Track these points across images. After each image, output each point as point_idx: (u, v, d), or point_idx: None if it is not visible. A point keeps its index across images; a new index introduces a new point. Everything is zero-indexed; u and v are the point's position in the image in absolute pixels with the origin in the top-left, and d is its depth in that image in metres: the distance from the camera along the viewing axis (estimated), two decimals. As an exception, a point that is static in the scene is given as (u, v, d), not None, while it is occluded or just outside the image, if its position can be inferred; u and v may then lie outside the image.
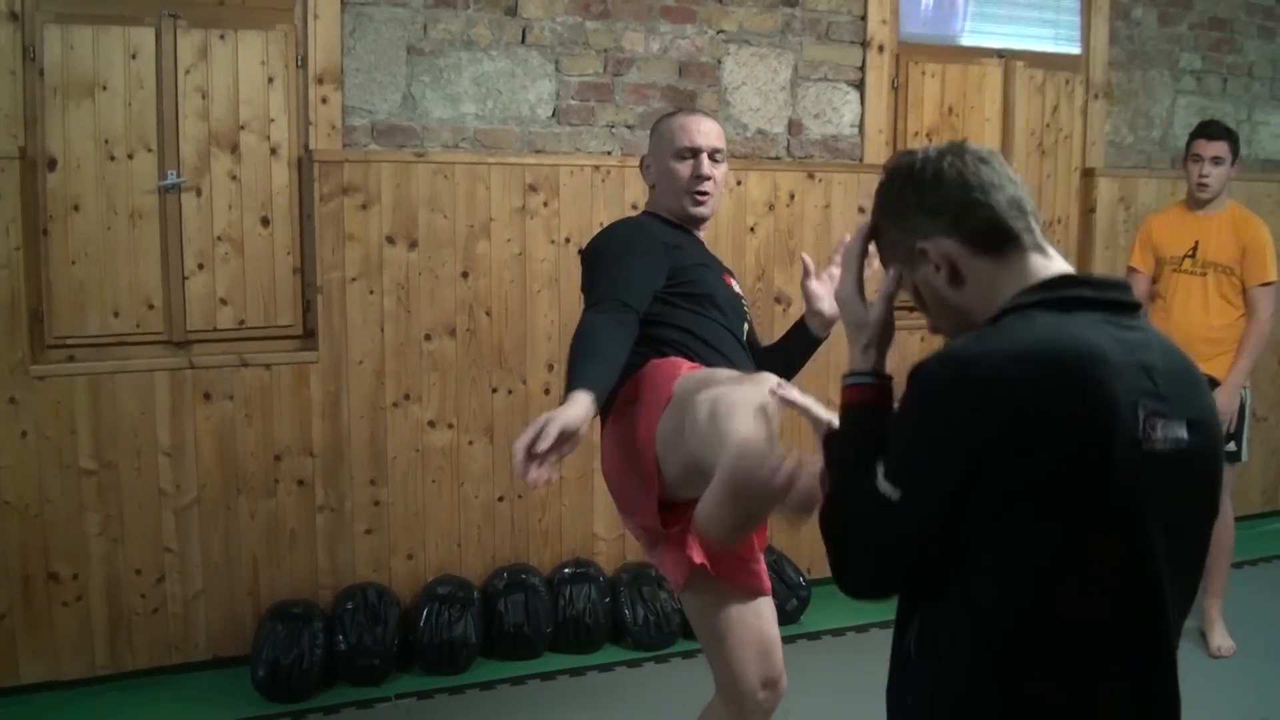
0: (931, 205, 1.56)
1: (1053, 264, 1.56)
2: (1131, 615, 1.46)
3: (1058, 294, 1.50)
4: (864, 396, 1.65)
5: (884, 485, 1.47)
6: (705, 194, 2.74)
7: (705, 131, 2.76)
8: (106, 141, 3.80)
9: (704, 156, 2.73)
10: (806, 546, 4.77)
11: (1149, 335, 1.51)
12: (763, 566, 2.63)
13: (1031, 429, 1.38)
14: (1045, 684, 1.45)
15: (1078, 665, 1.45)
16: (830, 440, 1.67)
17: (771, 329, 4.61)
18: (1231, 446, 4.33)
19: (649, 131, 2.91)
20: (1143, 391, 1.43)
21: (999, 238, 1.54)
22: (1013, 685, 1.45)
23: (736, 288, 2.82)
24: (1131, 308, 1.53)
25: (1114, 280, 1.57)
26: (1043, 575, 1.42)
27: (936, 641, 1.51)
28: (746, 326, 2.79)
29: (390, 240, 4.10)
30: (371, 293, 4.10)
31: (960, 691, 1.49)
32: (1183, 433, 1.46)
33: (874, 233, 1.68)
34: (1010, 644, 1.45)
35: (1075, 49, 5.37)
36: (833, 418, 1.79)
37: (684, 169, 2.73)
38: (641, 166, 2.89)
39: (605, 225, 2.82)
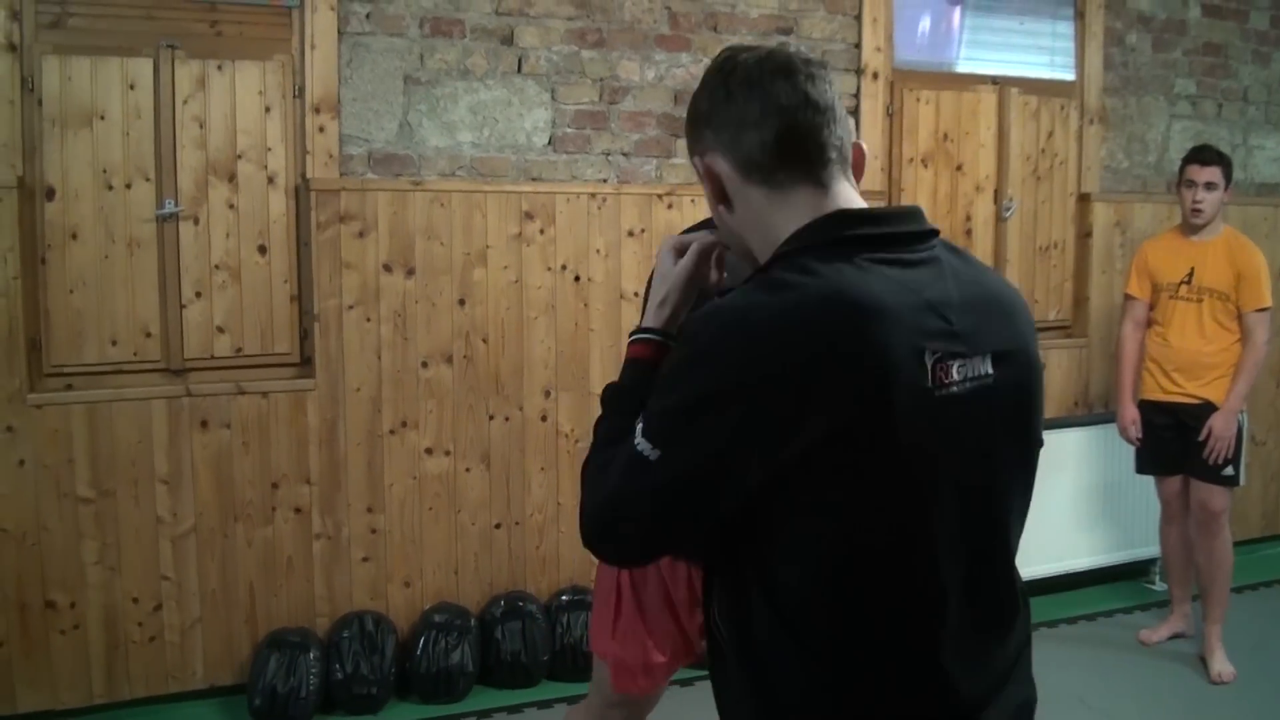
0: (718, 118, 1.44)
1: (835, 198, 1.43)
2: (952, 560, 1.38)
3: (832, 234, 1.37)
4: (647, 352, 1.54)
5: (642, 444, 1.34)
6: None
7: None
8: (104, 171, 3.82)
9: None
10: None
11: (944, 266, 1.40)
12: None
13: (799, 390, 1.26)
14: (866, 661, 1.37)
15: (897, 635, 1.36)
16: (607, 391, 1.55)
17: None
18: (1229, 471, 4.34)
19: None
20: (930, 334, 1.32)
21: (770, 167, 1.41)
22: (832, 670, 1.37)
23: None
24: (923, 236, 1.42)
25: (897, 211, 1.44)
26: (836, 550, 1.33)
27: (745, 631, 1.42)
28: None
29: (387, 268, 4.11)
30: (368, 320, 4.11)
31: (787, 681, 1.39)
32: (986, 368, 1.37)
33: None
34: (820, 625, 1.36)
35: (1070, 75, 5.39)
36: None
37: None
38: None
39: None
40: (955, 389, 1.34)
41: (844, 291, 1.30)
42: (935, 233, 1.44)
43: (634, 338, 1.57)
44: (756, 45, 1.48)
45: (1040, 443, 1.50)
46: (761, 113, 1.41)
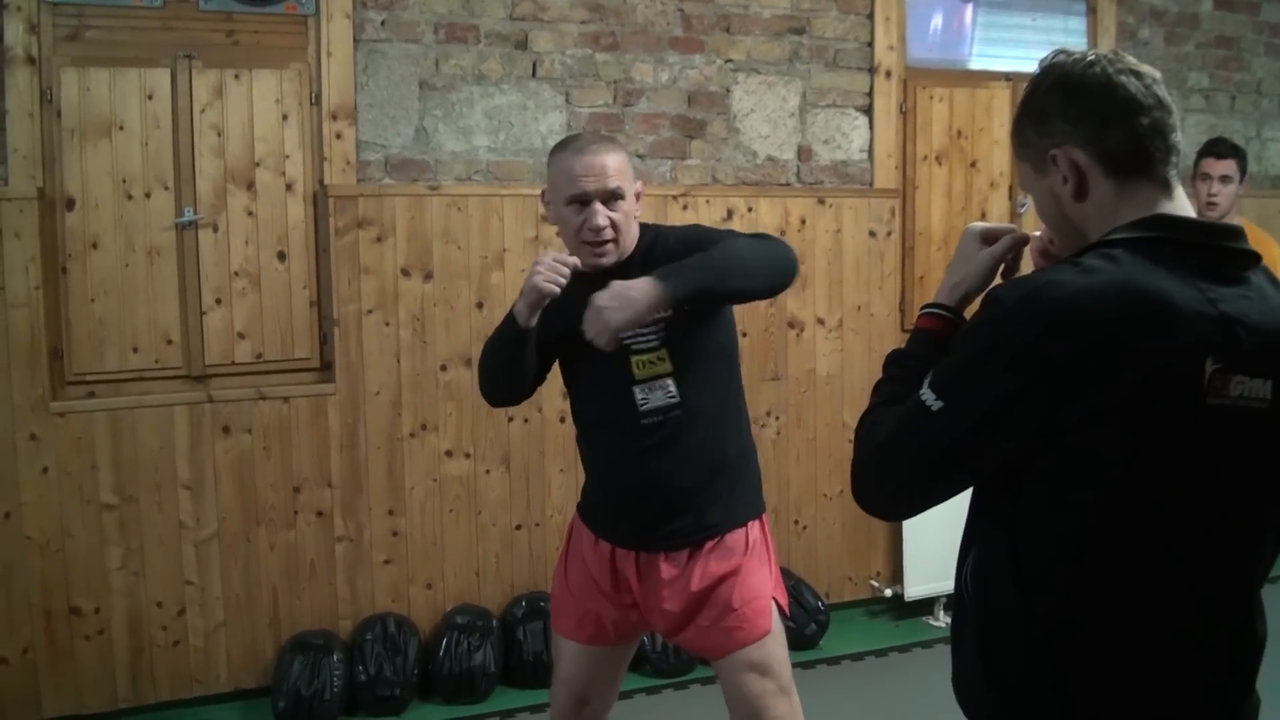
0: (1073, 113, 1.49)
1: (1170, 204, 1.48)
2: (1189, 574, 1.42)
3: (1147, 234, 1.44)
4: (936, 325, 1.64)
5: (927, 394, 1.44)
6: (603, 243, 2.48)
7: (595, 173, 2.45)
8: (124, 181, 3.85)
9: (595, 205, 2.45)
10: (824, 572, 4.78)
11: (1254, 288, 1.45)
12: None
13: (1082, 367, 1.34)
14: (1100, 646, 1.43)
15: (1134, 626, 1.42)
16: (891, 356, 1.67)
17: (785, 354, 4.64)
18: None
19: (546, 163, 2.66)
20: (1215, 345, 1.37)
21: (1131, 162, 1.47)
22: (1066, 648, 1.44)
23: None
24: (1239, 256, 1.47)
25: (1218, 227, 1.50)
26: (1086, 522, 1.40)
27: (987, 591, 1.51)
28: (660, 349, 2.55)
29: (405, 272, 4.14)
30: (387, 324, 4.13)
31: (1012, 654, 1.48)
32: (1263, 390, 1.40)
33: (1014, 128, 1.61)
34: (1060, 602, 1.43)
35: (1083, 70, 5.37)
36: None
37: (575, 219, 2.48)
38: (542, 200, 2.64)
39: None
40: (1227, 403, 1.38)
41: (1139, 285, 1.37)
42: (1256, 257, 1.49)
43: (925, 310, 1.67)
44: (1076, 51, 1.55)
45: None
46: (1124, 109, 1.46)
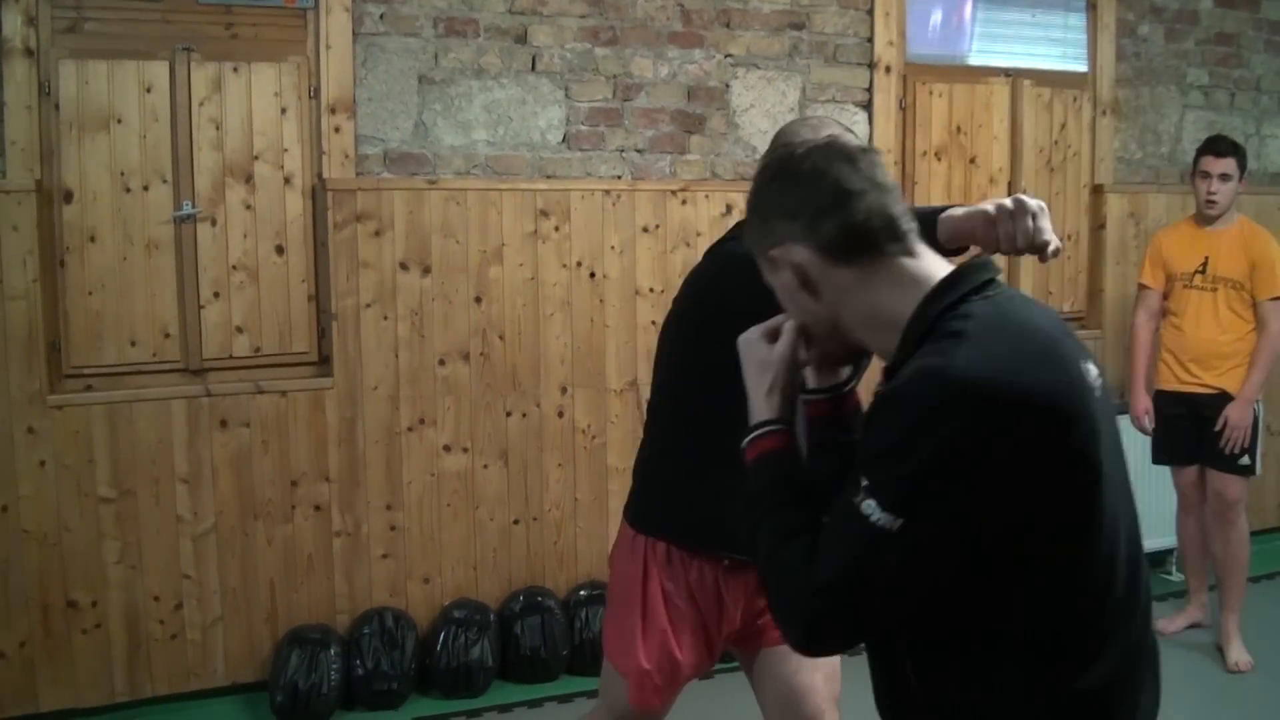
0: (789, 208, 1.48)
1: (925, 261, 1.48)
2: (1126, 575, 1.45)
3: (973, 282, 1.43)
4: (779, 444, 1.56)
5: (880, 516, 1.32)
6: None
7: None
8: (122, 174, 3.84)
9: None
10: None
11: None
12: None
13: (1034, 425, 1.32)
14: (1078, 685, 1.42)
15: (1103, 659, 1.43)
16: (750, 499, 1.54)
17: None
18: (1246, 460, 4.34)
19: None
20: (1072, 344, 1.44)
21: (856, 248, 1.45)
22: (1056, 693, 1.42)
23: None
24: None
25: (982, 260, 1.51)
26: (1063, 561, 1.39)
27: (947, 682, 1.45)
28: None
29: (404, 266, 4.14)
30: (385, 319, 4.13)
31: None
32: (1094, 368, 1.45)
33: (745, 222, 1.58)
34: (1044, 662, 1.41)
35: (1082, 67, 5.38)
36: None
37: None
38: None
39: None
40: (1098, 392, 1.42)
41: (1026, 322, 1.41)
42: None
43: (757, 434, 1.57)
44: (803, 138, 1.58)
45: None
46: (838, 194, 1.45)
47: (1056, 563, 1.39)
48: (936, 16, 5.15)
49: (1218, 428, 4.31)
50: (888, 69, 4.87)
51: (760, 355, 1.61)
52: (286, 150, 4.04)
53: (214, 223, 3.97)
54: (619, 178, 4.45)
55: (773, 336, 1.61)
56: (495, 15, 4.24)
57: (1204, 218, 4.42)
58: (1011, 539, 1.35)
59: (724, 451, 2.40)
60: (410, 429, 4.19)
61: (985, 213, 1.90)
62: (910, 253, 1.47)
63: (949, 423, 1.30)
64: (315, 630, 4.01)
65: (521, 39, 4.28)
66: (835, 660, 2.47)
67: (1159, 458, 4.64)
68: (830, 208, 1.45)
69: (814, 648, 1.44)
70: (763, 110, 4.68)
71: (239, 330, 4.03)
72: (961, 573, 1.36)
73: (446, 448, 4.24)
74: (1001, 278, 1.49)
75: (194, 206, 3.93)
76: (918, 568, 1.35)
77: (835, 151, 1.48)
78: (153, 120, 3.87)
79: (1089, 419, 1.36)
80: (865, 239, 1.45)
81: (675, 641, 2.49)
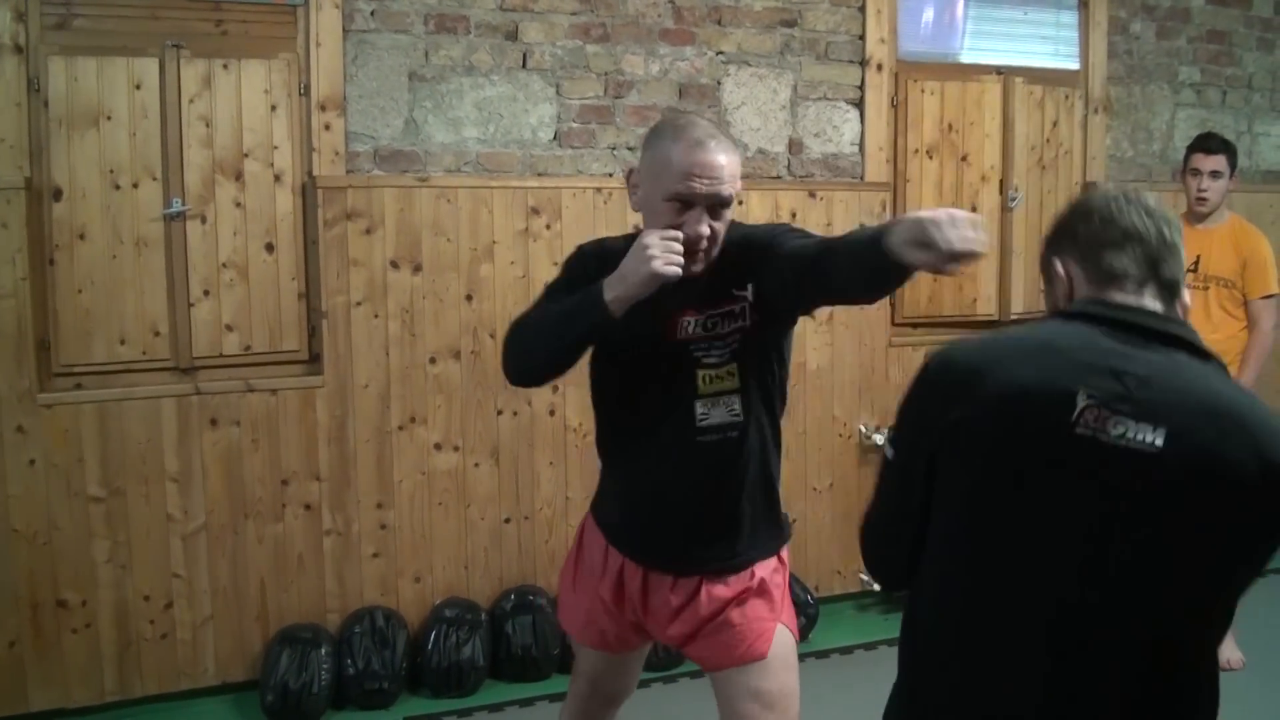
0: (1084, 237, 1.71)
1: (1124, 296, 1.65)
2: (1032, 596, 1.55)
3: (1070, 309, 1.65)
4: None
5: (888, 449, 1.72)
6: (697, 252, 2.20)
7: (710, 174, 2.16)
8: (111, 171, 3.83)
9: (701, 211, 2.18)
10: (813, 566, 4.78)
11: (1156, 359, 1.54)
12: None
13: (958, 395, 1.57)
14: (947, 662, 1.64)
15: (977, 645, 1.60)
16: None
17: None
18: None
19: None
20: (1094, 385, 1.50)
21: (1108, 281, 1.65)
22: (923, 664, 1.69)
23: (692, 327, 2.33)
24: (1157, 336, 1.57)
25: (1146, 309, 1.62)
26: (950, 536, 1.63)
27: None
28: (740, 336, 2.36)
29: (394, 264, 4.13)
30: (376, 317, 4.12)
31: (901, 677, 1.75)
32: (1151, 436, 1.48)
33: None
34: (928, 623, 1.69)
35: (1074, 64, 5.38)
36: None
37: (672, 218, 2.19)
38: (628, 181, 2.34)
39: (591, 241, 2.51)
40: (1103, 437, 1.49)
41: (1030, 332, 1.67)
42: (1176, 339, 1.60)
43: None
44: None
45: (1220, 541, 1.51)
46: (1116, 239, 1.68)
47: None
48: (928, 14, 5.15)
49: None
50: (879, 66, 4.87)
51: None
52: (276, 147, 4.03)
53: (204, 220, 3.95)
54: (610, 175, 4.44)
55: None
56: (486, 12, 4.23)
57: (1195, 215, 4.42)
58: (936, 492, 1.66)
59: (619, 450, 2.50)
60: (401, 427, 4.18)
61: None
62: (1137, 294, 1.72)
63: (925, 381, 1.68)
64: (306, 629, 4.00)
65: (512, 36, 4.27)
66: (794, 708, 2.48)
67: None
68: (1104, 246, 1.72)
69: (869, 569, 1.84)
70: (754, 108, 4.67)
71: (229, 328, 4.01)
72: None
73: (437, 446, 4.24)
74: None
75: (184, 204, 3.92)
76: (906, 494, 1.68)
77: (1134, 202, 1.73)
78: (142, 117, 3.86)
79: (991, 416, 1.55)
80: (1114, 278, 1.70)
81: (573, 583, 2.62)
